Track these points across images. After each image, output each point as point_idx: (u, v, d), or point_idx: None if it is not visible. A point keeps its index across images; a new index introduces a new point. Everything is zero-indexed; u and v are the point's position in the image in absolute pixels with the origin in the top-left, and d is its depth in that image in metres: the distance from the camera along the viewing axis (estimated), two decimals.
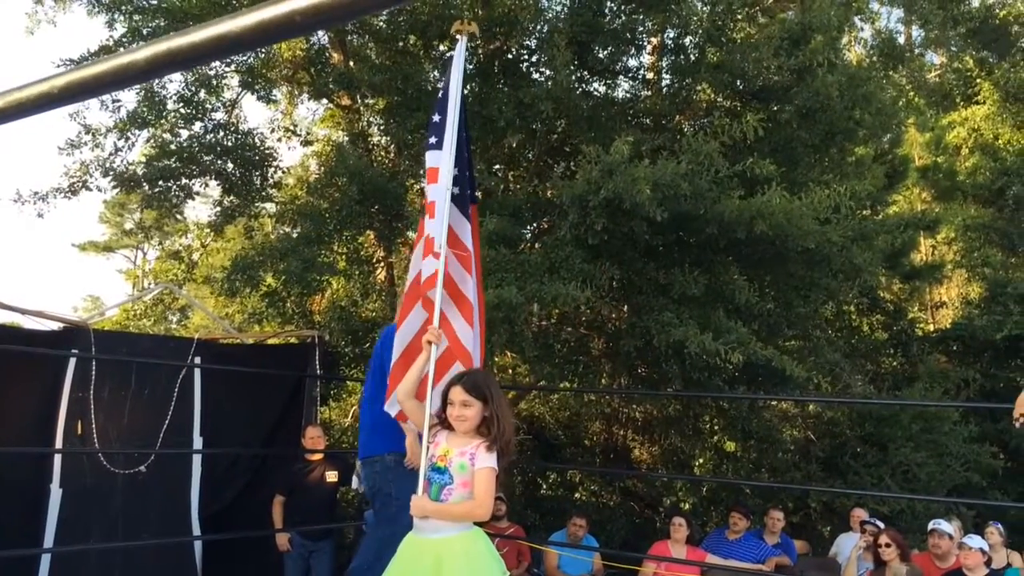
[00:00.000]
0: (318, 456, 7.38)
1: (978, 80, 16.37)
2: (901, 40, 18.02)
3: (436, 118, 3.88)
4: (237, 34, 0.91)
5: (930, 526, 7.05)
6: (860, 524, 7.90)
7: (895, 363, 13.25)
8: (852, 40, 15.98)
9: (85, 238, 36.30)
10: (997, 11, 18.02)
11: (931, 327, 14.65)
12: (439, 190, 3.74)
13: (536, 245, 8.84)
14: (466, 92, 9.77)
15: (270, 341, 9.02)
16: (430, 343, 3.39)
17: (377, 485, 4.51)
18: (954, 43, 17.96)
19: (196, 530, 7.41)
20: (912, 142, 15.30)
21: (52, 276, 54.64)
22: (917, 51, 18.45)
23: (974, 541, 6.51)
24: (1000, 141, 15.55)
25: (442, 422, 3.20)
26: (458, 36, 3.91)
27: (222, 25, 0.93)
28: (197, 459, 7.63)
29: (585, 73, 9.26)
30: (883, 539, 6.63)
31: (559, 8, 9.05)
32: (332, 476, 7.31)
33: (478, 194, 4.46)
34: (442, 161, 3.77)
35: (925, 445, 10.37)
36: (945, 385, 11.67)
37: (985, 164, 15.00)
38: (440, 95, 4.03)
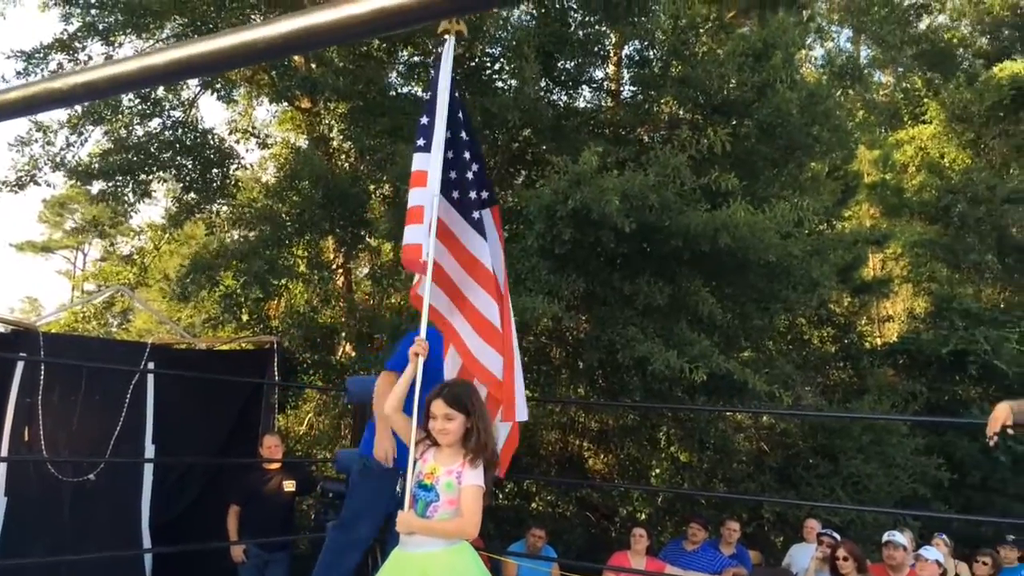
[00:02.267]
0: (275, 465, 7.21)
1: (925, 100, 16.82)
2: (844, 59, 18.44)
3: (424, 120, 3.76)
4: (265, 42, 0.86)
5: (885, 538, 7.15)
6: (816, 536, 7.99)
7: (844, 376, 13.50)
8: (804, 58, 16.28)
9: (23, 238, 35.19)
10: (943, 34, 18.58)
11: (878, 340, 14.95)
12: (425, 194, 3.62)
13: None
14: (427, 98, 9.77)
15: (226, 346, 8.82)
16: (417, 355, 3.31)
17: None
18: (902, 63, 18.46)
19: (146, 541, 7.19)
20: (862, 159, 15.64)
21: None
22: (866, 70, 18.90)
23: (930, 553, 6.62)
24: (946, 160, 15.99)
25: (428, 436, 3.13)
26: (446, 36, 3.81)
27: (252, 32, 0.88)
28: (149, 467, 7.41)
29: (549, 83, 9.27)
30: (841, 552, 6.69)
31: (526, 18, 9.04)
32: (289, 486, 7.15)
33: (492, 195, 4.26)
34: (430, 164, 3.66)
35: (875, 457, 10.57)
36: (893, 398, 11.91)
37: (931, 182, 15.40)
38: (428, 96, 3.91)
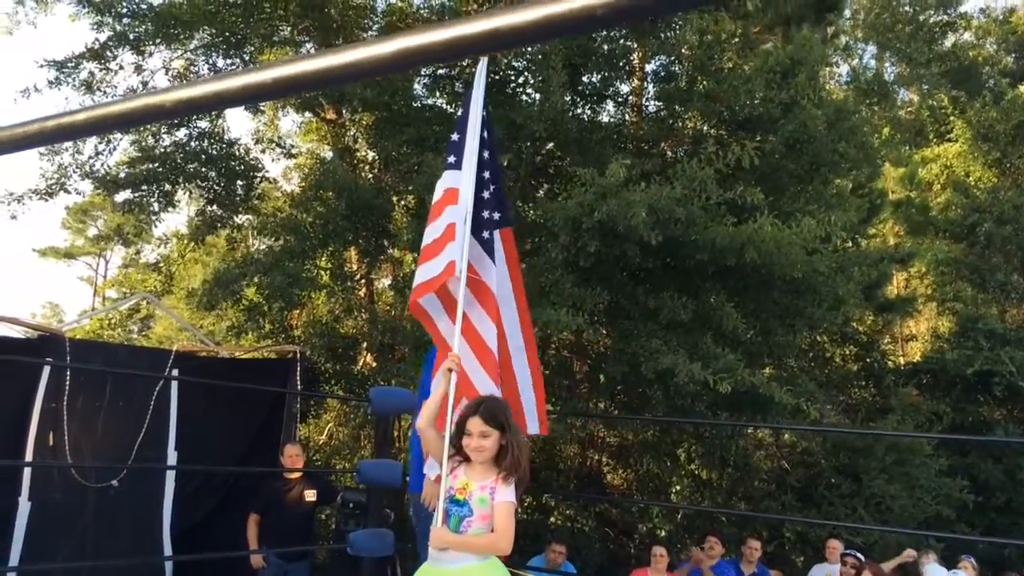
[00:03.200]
0: (296, 475, 7.21)
1: (951, 118, 16.72)
2: (871, 76, 18.41)
3: (455, 137, 3.79)
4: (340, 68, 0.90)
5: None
6: (840, 556, 7.90)
7: (866, 395, 13.39)
8: (829, 75, 16.25)
9: (46, 244, 35.56)
10: (968, 52, 18.48)
11: (902, 360, 14.82)
12: (458, 211, 3.64)
13: (521, 267, 8.79)
14: (451, 110, 9.82)
15: (249, 355, 8.85)
16: (450, 370, 3.31)
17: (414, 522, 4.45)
18: (927, 81, 18.38)
19: (167, 548, 7.20)
20: (887, 177, 15.55)
21: (9, 282, 53.48)
22: (891, 88, 18.84)
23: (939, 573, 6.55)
24: (971, 178, 15.86)
25: (459, 452, 3.13)
26: (480, 57, 3.85)
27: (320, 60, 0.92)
28: (171, 474, 7.43)
29: (574, 96, 9.28)
30: (866, 574, 6.63)
31: None
32: (310, 496, 7.14)
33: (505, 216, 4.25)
34: (461, 182, 3.68)
35: (898, 477, 10.45)
36: (917, 418, 11.80)
37: (957, 200, 15.27)
38: (460, 113, 3.94)
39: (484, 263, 3.74)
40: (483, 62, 3.83)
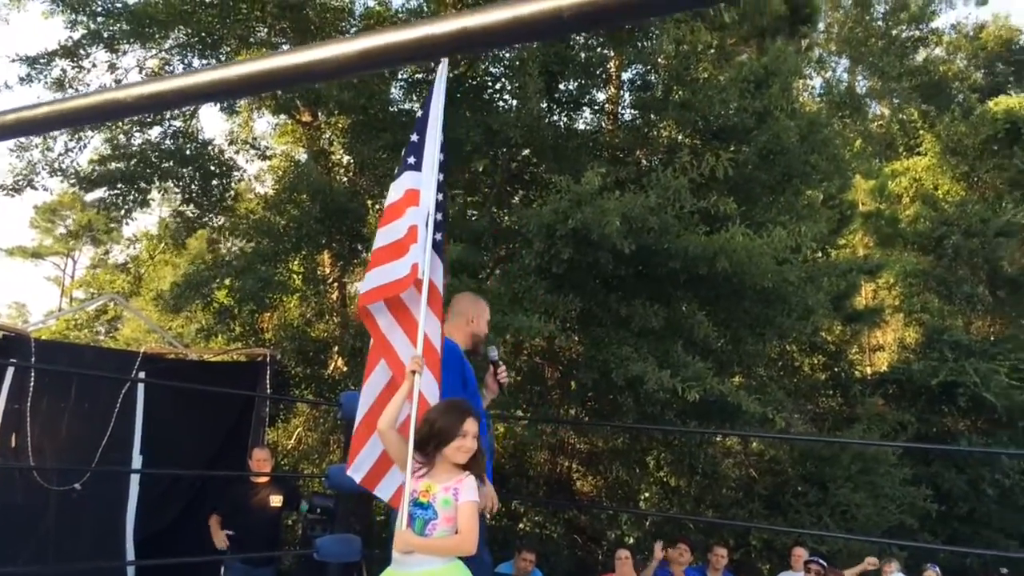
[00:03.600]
0: (264, 479, 7.14)
1: (921, 132, 16.98)
2: (843, 88, 18.67)
3: (415, 138, 3.75)
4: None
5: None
6: (804, 564, 7.98)
7: (833, 404, 13.53)
8: (803, 87, 16.44)
9: (13, 243, 35.03)
10: (939, 67, 18.78)
11: (869, 370, 15.00)
12: (420, 213, 3.63)
13: (495, 273, 8.80)
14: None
15: (218, 358, 8.76)
16: (413, 372, 3.29)
17: None
18: (898, 95, 18.66)
19: (130, 553, 7.10)
20: (858, 188, 15.75)
21: None
22: (863, 101, 19.11)
23: None
24: (940, 192, 16.12)
25: (427, 463, 3.12)
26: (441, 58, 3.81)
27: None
28: (135, 478, 7.33)
29: (550, 103, 9.31)
30: None
31: None
32: (276, 500, 7.06)
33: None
34: (422, 184, 3.66)
35: (863, 486, 10.57)
36: (882, 428, 11.95)
37: (926, 213, 15.51)
38: (420, 114, 3.90)
39: (435, 264, 3.73)
40: (444, 63, 3.80)
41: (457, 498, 3.02)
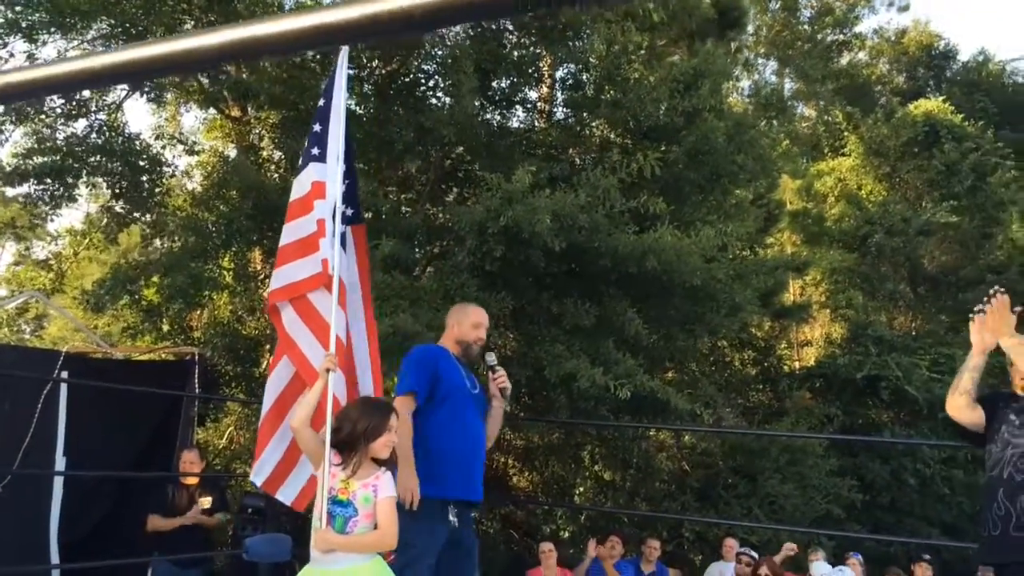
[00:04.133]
0: (193, 480, 7.02)
1: (845, 133, 17.49)
2: (770, 91, 19.13)
3: (317, 128, 3.61)
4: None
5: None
6: (736, 555, 8.17)
7: (763, 398, 13.87)
8: (731, 88, 16.77)
9: None
10: (862, 71, 19.35)
11: (797, 364, 15.39)
12: (327, 206, 3.53)
13: (428, 271, 8.80)
14: (361, 112, 9.73)
15: (145, 357, 8.58)
16: (328, 370, 3.26)
17: None
18: (823, 97, 19.18)
19: (55, 557, 6.91)
20: (785, 188, 16.14)
21: None
22: (789, 103, 19.59)
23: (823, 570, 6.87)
24: (863, 191, 16.63)
25: (345, 462, 3.10)
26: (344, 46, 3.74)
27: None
28: (59, 481, 7.13)
29: (484, 102, 9.33)
30: (763, 570, 6.87)
31: (462, 36, 9.10)
32: (205, 502, 6.96)
33: (362, 214, 4.15)
34: (327, 176, 3.62)
35: (792, 477, 10.86)
36: (810, 421, 12.28)
37: (850, 212, 15.99)
38: (321, 103, 3.71)
39: (343, 258, 3.68)
40: (344, 50, 3.74)
41: (377, 494, 3.03)
